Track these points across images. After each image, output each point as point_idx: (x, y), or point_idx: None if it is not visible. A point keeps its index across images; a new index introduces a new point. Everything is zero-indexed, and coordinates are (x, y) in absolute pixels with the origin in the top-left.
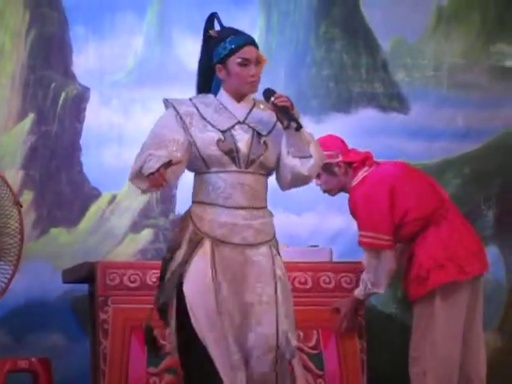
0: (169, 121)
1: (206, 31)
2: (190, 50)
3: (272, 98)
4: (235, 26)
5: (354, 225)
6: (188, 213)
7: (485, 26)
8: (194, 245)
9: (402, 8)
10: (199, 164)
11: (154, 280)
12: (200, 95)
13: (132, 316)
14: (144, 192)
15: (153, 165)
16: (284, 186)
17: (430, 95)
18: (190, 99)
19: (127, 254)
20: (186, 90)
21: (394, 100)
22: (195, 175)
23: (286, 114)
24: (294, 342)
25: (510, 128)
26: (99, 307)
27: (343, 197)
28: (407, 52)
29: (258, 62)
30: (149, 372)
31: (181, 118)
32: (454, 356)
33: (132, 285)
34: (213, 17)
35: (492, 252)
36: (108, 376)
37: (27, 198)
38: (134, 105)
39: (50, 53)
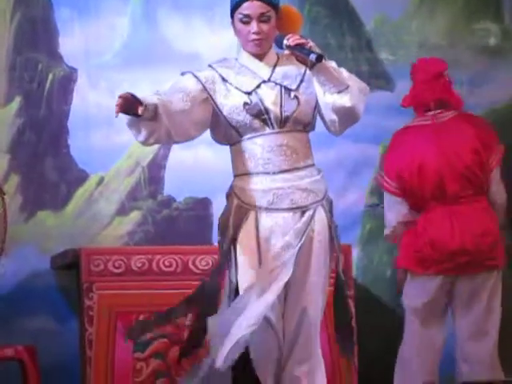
0: (185, 79)
1: None
2: (175, 31)
3: (285, 41)
4: (219, 9)
5: (341, 202)
6: (231, 188)
7: (468, 3)
8: (241, 218)
9: None
10: (231, 133)
11: (139, 265)
12: (220, 59)
13: (117, 302)
14: (143, 141)
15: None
16: (335, 129)
17: None
18: (210, 65)
19: (115, 236)
20: (173, 70)
21: (379, 78)
22: (230, 148)
23: (303, 50)
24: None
25: (496, 105)
26: (84, 293)
27: (329, 174)
28: (391, 30)
29: (266, 19)
30: (135, 357)
31: (201, 82)
32: (433, 341)
33: (116, 270)
34: None
35: None
36: (94, 362)
37: (14, 181)
38: (121, 86)
39: (35, 35)
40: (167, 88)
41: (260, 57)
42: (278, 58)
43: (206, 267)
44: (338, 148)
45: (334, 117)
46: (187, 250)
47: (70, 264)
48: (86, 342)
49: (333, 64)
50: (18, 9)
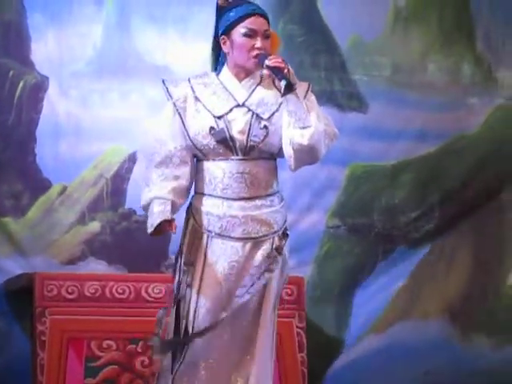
0: (167, 120)
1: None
2: (148, 42)
3: (266, 61)
4: (193, 23)
5: (303, 221)
6: (189, 204)
7: (442, 28)
8: (194, 239)
9: (358, 6)
10: (195, 152)
11: (92, 291)
12: (202, 73)
13: (69, 327)
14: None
15: (153, 222)
16: (290, 163)
17: (388, 95)
18: (189, 79)
19: (73, 244)
20: (144, 82)
21: (352, 99)
22: (196, 162)
23: (278, 74)
24: None
25: (464, 132)
26: (37, 318)
27: (294, 193)
28: (365, 51)
29: (267, 36)
30: (86, 383)
31: (175, 106)
32: None
33: (69, 296)
34: None
35: None
36: None
37: None
38: (92, 96)
39: (8, 40)
40: (158, 138)
41: (241, 77)
42: (261, 79)
43: (159, 295)
44: (305, 168)
45: (291, 151)
46: (140, 278)
47: (24, 288)
48: (38, 367)
49: (312, 98)
50: None
